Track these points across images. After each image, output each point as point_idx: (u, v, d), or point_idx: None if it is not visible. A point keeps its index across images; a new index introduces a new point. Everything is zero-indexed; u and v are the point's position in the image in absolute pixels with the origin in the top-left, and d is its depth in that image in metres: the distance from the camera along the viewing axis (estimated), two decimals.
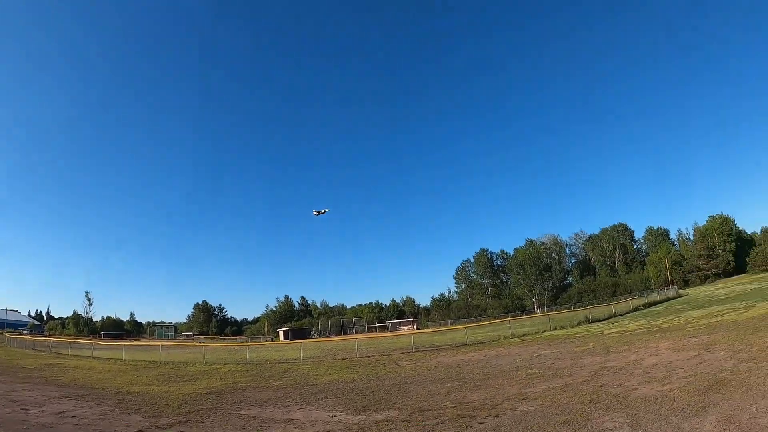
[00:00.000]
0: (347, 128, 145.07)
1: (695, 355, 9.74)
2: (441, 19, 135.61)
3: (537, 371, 10.58)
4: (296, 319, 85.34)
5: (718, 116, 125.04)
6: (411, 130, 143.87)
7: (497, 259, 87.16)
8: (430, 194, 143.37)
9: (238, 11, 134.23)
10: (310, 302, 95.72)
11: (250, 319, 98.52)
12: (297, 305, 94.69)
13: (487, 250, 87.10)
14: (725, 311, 18.83)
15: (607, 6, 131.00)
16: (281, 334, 62.28)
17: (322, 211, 31.97)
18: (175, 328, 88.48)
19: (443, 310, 77.85)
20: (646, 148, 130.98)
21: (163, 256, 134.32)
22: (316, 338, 54.49)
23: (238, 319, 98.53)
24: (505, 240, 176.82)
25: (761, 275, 44.05)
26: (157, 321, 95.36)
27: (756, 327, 12.37)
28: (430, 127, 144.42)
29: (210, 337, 74.53)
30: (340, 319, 76.91)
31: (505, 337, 22.66)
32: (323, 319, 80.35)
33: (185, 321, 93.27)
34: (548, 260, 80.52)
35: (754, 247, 63.33)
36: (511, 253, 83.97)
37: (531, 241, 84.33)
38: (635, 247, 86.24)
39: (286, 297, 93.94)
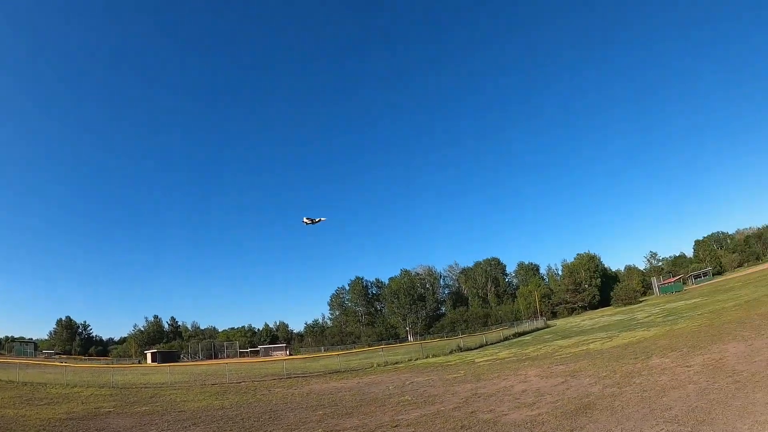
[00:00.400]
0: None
1: (562, 382, 12.78)
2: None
3: (410, 398, 13.76)
4: (165, 340, 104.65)
5: (586, 166, 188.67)
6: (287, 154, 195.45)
7: (372, 287, 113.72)
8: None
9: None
10: (180, 323, 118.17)
11: (116, 338, 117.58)
12: (167, 326, 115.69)
13: (362, 278, 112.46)
14: (590, 341, 24.63)
15: None
16: (149, 356, 73.10)
17: (317, 220, 36.50)
18: (36, 345, 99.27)
19: (317, 336, 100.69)
20: (520, 190, 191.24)
21: (24, 265, 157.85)
22: (186, 362, 67.00)
23: (103, 339, 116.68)
24: (381, 269, 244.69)
25: (624, 308, 60.36)
26: (15, 336, 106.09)
27: (619, 355, 16.39)
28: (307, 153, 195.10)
29: (73, 356, 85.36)
30: (211, 343, 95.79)
31: (379, 365, 29.13)
32: (194, 341, 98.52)
33: (47, 338, 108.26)
34: (422, 290, 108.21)
35: (617, 283, 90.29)
36: (386, 282, 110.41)
37: (406, 271, 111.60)
38: (507, 280, 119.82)
39: (156, 317, 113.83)
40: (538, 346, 27.61)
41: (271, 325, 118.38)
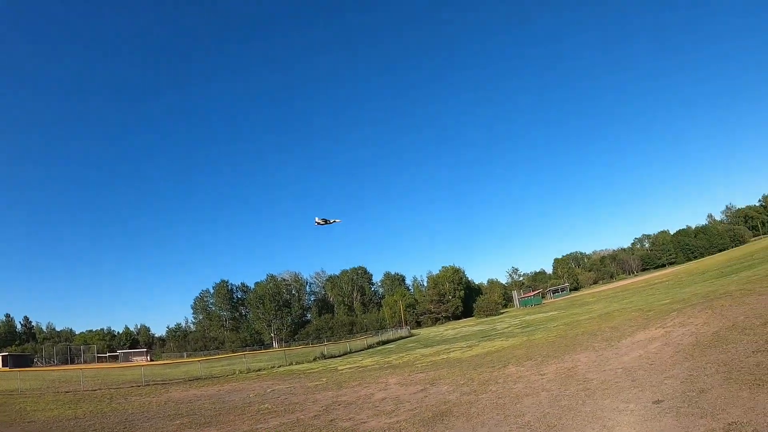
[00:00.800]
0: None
1: (422, 389, 16.06)
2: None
3: (270, 407, 16.79)
4: (18, 342, 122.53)
5: (453, 184, 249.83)
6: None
7: (237, 291, 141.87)
8: (172, 216, 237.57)
9: None
10: (34, 324, 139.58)
11: None
12: (19, 326, 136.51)
13: (227, 282, 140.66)
14: (452, 350, 29.97)
15: None
16: None
17: (331, 221, 43.36)
18: None
19: (179, 341, 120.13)
20: (389, 202, 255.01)
21: None
22: (40, 366, 75.75)
23: None
24: (247, 273, 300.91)
25: (486, 319, 76.31)
26: None
27: (477, 363, 20.54)
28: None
29: None
30: (67, 346, 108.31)
31: (241, 372, 35.76)
32: (48, 344, 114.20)
33: None
34: (288, 296, 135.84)
35: (480, 295, 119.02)
36: (252, 286, 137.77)
37: (272, 276, 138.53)
38: (373, 289, 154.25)
39: (7, 316, 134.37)
40: (401, 355, 33.88)
41: (132, 329, 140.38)
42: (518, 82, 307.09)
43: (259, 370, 36.71)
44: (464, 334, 47.24)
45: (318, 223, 44.71)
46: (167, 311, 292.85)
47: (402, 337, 66.86)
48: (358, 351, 49.35)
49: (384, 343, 58.51)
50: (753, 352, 10.74)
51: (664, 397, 9.38)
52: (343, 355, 45.17)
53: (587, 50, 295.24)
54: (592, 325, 25.69)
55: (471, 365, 20.54)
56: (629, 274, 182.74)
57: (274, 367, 38.14)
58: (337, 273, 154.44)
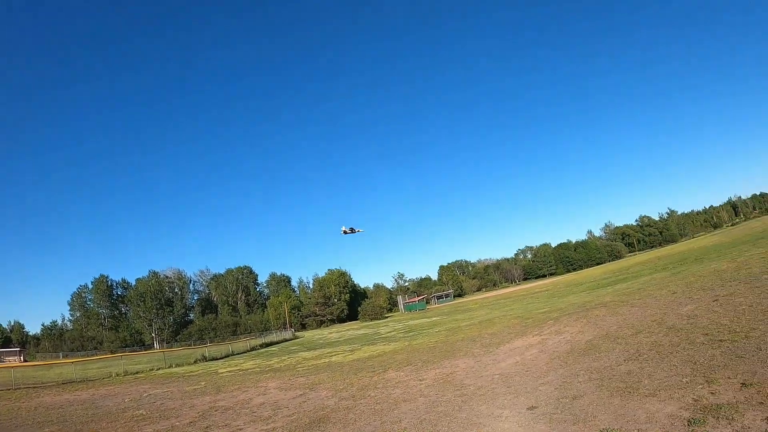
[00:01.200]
0: None
1: (301, 394, 16.09)
2: None
3: (145, 413, 16.26)
4: None
5: (342, 190, 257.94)
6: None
7: (118, 287, 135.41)
8: (49, 205, 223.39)
9: None
10: None
11: None
12: None
13: (107, 277, 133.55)
14: (334, 353, 30.10)
15: None
16: None
17: (356, 230, 50.47)
18: None
19: (55, 340, 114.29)
20: (278, 203, 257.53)
21: None
22: None
23: None
24: (128, 268, 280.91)
25: (370, 323, 77.90)
26: None
27: (358, 368, 20.66)
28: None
29: None
30: None
31: (117, 375, 34.22)
32: None
33: None
34: (171, 294, 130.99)
35: (365, 299, 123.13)
36: (133, 283, 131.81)
37: (154, 272, 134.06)
38: (258, 289, 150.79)
39: None
40: (283, 358, 33.37)
41: (5, 326, 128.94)
42: (401, 87, 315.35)
43: (137, 372, 35.46)
44: (348, 338, 47.38)
45: (345, 232, 48.73)
46: (43, 307, 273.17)
47: (286, 340, 66.17)
48: (240, 353, 48.62)
49: (267, 345, 57.93)
50: (625, 360, 11.17)
51: (538, 403, 9.51)
52: (225, 357, 44.36)
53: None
54: (472, 332, 26.28)
55: (352, 370, 20.53)
56: (512, 282, 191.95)
57: (153, 369, 36.44)
58: (222, 272, 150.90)
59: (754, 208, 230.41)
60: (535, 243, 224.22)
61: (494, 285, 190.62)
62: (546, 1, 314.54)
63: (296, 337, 71.96)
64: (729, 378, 8.12)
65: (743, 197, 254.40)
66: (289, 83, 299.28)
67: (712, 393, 7.71)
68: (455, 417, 9.80)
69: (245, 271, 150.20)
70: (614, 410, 8.06)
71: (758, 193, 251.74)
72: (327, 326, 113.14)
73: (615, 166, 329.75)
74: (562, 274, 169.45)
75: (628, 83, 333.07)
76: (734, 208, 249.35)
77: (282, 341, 63.93)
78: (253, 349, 52.83)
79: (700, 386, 8.12)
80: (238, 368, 30.22)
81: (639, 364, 10.55)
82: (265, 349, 52.24)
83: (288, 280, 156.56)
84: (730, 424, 6.50)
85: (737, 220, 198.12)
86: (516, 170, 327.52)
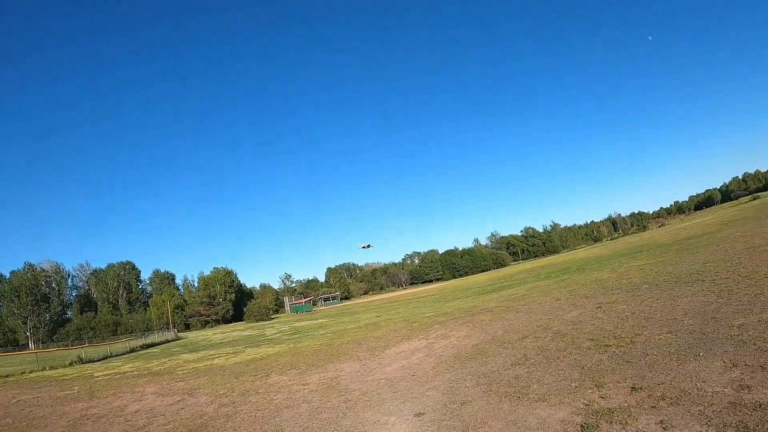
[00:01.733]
0: None
1: (179, 400, 15.38)
2: None
3: (10, 422, 15.36)
4: None
5: (226, 187, 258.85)
6: None
7: None
8: None
9: None
10: None
11: None
12: None
13: None
14: (217, 355, 29.63)
15: None
16: None
17: (368, 246, 72.36)
18: None
19: None
20: (161, 195, 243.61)
21: None
22: None
23: None
24: (1, 259, 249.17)
25: (256, 324, 77.23)
26: None
27: (240, 371, 19.94)
28: None
29: None
30: None
31: None
32: None
33: None
34: (48, 290, 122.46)
35: (251, 300, 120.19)
36: (7, 276, 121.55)
37: (30, 265, 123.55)
38: (140, 287, 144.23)
39: None
40: (164, 360, 32.06)
41: None
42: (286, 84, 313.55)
43: (7, 376, 32.10)
44: (232, 339, 45.96)
45: (363, 247, 46.50)
46: None
47: (168, 341, 63.52)
48: (119, 355, 45.82)
49: (148, 346, 55.22)
50: (512, 364, 11.09)
51: (425, 409, 9.21)
52: (104, 359, 41.61)
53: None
54: (358, 335, 25.98)
55: (234, 373, 19.70)
56: (399, 286, 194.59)
57: (24, 372, 33.53)
58: (103, 266, 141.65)
59: (632, 225, 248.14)
60: (423, 249, 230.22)
61: (381, 288, 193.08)
62: None
63: (179, 338, 69.58)
64: (618, 382, 8.11)
65: (622, 215, 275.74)
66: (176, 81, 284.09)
67: (602, 397, 7.64)
68: (339, 424, 9.40)
69: (127, 266, 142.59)
70: (504, 416, 7.83)
71: (636, 212, 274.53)
72: (212, 327, 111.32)
73: (502, 179, 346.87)
74: (449, 279, 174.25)
75: (520, 95, 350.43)
76: (614, 224, 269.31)
77: (164, 342, 61.33)
78: (133, 350, 50.17)
79: (590, 390, 8.05)
80: (116, 371, 28.23)
81: (527, 368, 10.48)
82: (146, 350, 49.69)
83: (172, 277, 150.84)
84: (624, 428, 6.39)
85: (616, 235, 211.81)
86: (405, 177, 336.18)
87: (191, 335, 78.67)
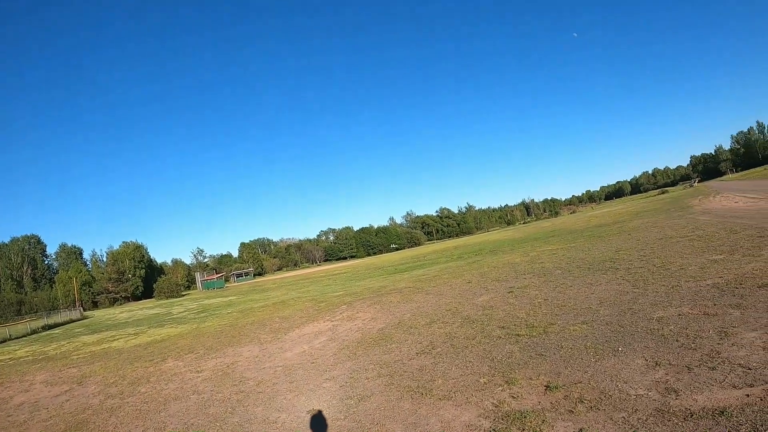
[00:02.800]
0: None
1: (67, 390, 14.37)
2: None
3: None
4: None
5: (135, 158, 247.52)
6: None
7: None
8: None
9: None
10: None
11: None
12: None
13: None
14: (117, 337, 28.16)
15: None
16: None
17: None
18: None
19: None
20: (67, 162, 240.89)
21: None
22: None
23: None
24: None
25: (165, 301, 74.81)
26: None
27: (137, 356, 18.72)
28: None
29: None
30: None
31: None
32: None
33: None
34: None
35: (162, 275, 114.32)
36: None
37: None
38: (46, 262, 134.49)
39: None
40: (62, 343, 30.08)
41: None
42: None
43: None
44: (137, 318, 43.57)
45: None
46: None
47: (72, 321, 59.53)
48: (20, 337, 42.66)
49: (51, 327, 51.43)
50: (417, 353, 10.32)
51: (320, 404, 8.42)
52: (2, 342, 39.08)
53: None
54: (264, 314, 24.93)
55: (130, 358, 18.38)
56: (313, 263, 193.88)
57: None
58: (6, 241, 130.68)
59: (545, 211, 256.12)
60: (338, 225, 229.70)
61: (295, 265, 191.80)
62: None
63: (85, 317, 65.40)
64: (531, 379, 7.35)
65: (536, 200, 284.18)
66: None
67: (513, 397, 6.85)
68: (226, 422, 8.64)
69: (32, 240, 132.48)
70: (404, 417, 7.02)
71: (549, 198, 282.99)
72: (120, 304, 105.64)
73: (419, 159, 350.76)
74: (363, 257, 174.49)
75: (440, 79, 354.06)
76: (527, 208, 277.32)
77: (68, 322, 57.54)
78: (34, 332, 46.83)
79: (500, 388, 7.27)
80: (10, 357, 26.15)
81: (432, 358, 9.72)
82: (48, 331, 46.23)
83: (80, 252, 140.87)
84: None
85: (529, 219, 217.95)
86: (321, 152, 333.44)
87: (98, 314, 74.26)
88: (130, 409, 10.80)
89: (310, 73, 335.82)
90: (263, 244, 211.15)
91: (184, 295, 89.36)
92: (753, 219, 21.75)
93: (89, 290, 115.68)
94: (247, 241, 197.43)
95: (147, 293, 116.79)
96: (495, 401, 6.84)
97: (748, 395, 5.50)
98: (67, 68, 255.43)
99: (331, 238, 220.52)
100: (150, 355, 18.21)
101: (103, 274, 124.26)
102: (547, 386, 6.92)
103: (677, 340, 7.69)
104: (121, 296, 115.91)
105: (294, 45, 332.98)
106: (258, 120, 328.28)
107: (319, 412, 8.08)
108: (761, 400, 5.33)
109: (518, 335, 9.91)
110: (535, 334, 9.73)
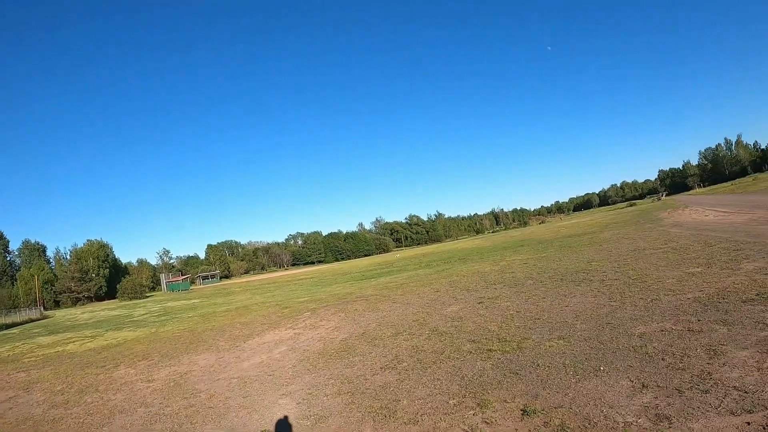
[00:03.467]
0: None
1: (11, 397, 13.69)
2: None
3: None
4: None
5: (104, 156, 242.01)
6: None
7: None
8: None
9: None
10: None
11: None
12: None
13: None
14: (74, 339, 26.93)
15: None
16: None
17: None
18: None
19: None
20: (31, 156, 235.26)
21: None
22: None
23: None
24: None
25: (129, 303, 73.30)
26: None
27: (89, 361, 17.78)
28: None
29: None
30: None
31: None
32: None
33: None
34: None
35: (127, 276, 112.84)
36: None
37: None
38: (9, 259, 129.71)
39: None
40: (17, 344, 29.08)
41: None
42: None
43: None
44: (98, 320, 42.01)
45: None
46: None
47: (31, 320, 57.50)
48: None
49: (8, 326, 49.62)
50: (381, 368, 9.57)
51: (272, 425, 7.70)
52: None
53: None
54: (226, 319, 24.05)
55: (82, 363, 17.46)
56: (280, 267, 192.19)
57: None
58: None
59: (514, 220, 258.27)
60: (307, 230, 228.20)
61: (262, 269, 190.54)
62: None
63: (45, 317, 63.08)
64: (506, 401, 6.64)
65: (505, 210, 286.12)
66: None
67: (487, 423, 6.13)
68: None
69: None
70: None
71: (518, 208, 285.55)
72: (83, 304, 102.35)
73: (389, 165, 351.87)
74: (331, 262, 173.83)
75: (407, 87, 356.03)
76: (496, 218, 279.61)
77: (26, 322, 55.58)
78: None
79: (472, 411, 6.54)
80: None
81: (397, 374, 8.99)
82: (5, 331, 44.39)
83: (43, 249, 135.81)
84: None
85: (498, 229, 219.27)
86: (292, 157, 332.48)
87: (59, 314, 71.68)
88: (73, 421, 10.10)
89: (279, 75, 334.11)
90: (231, 247, 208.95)
91: (148, 297, 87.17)
92: (726, 232, 21.52)
93: (51, 289, 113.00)
94: (214, 243, 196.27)
95: (111, 293, 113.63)
96: (466, 427, 6.11)
97: (748, 423, 4.89)
98: (29, 65, 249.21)
99: (300, 242, 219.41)
100: (103, 360, 17.35)
101: (66, 272, 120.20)
102: (524, 410, 6.21)
103: (663, 359, 7.08)
104: (84, 296, 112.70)
105: (269, 46, 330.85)
106: (230, 122, 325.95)
107: None
108: (763, 428, 4.72)
109: (490, 350, 9.23)
110: (508, 349, 9.06)
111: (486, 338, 10.23)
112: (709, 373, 6.33)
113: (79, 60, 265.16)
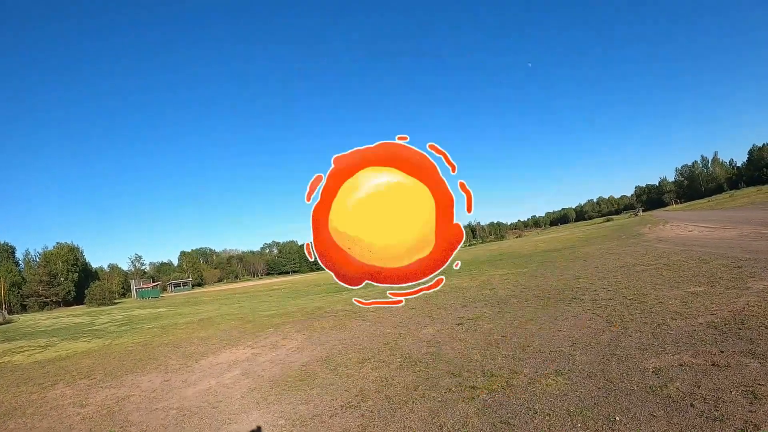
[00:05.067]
0: None
1: None
2: None
3: None
4: None
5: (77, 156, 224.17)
6: None
7: None
8: None
9: None
10: None
11: None
12: None
13: None
14: (24, 348, 24.87)
15: None
16: None
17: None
18: None
19: None
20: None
21: None
22: None
23: None
24: None
25: (96, 309, 70.53)
26: None
27: (29, 377, 15.85)
28: None
29: None
30: None
31: None
32: None
33: None
34: None
35: (97, 281, 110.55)
36: None
37: None
38: None
39: None
40: None
41: None
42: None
43: None
44: (58, 327, 39.59)
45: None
46: None
47: None
48: None
49: None
50: (341, 406, 7.95)
51: None
52: None
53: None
54: (185, 333, 22.37)
55: (21, 378, 15.79)
56: (254, 276, 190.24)
57: None
58: None
59: (490, 234, 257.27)
60: (282, 239, 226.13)
61: (236, 277, 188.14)
62: None
63: (8, 322, 60.02)
64: None
65: (481, 223, 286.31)
66: None
67: None
68: None
69: None
70: None
71: (495, 221, 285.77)
72: (51, 309, 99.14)
73: None
74: (306, 272, 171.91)
75: (392, 92, 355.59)
76: (472, 230, 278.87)
77: None
78: None
79: None
80: None
81: (360, 417, 7.37)
82: None
83: (12, 250, 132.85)
84: None
85: (474, 242, 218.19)
86: (266, 162, 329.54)
87: (23, 318, 68.92)
88: None
89: (258, 81, 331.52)
90: (205, 254, 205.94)
91: (117, 303, 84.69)
92: (718, 248, 20.35)
93: (18, 292, 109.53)
94: (188, 249, 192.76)
95: (79, 299, 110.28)
96: None
97: None
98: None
99: (275, 251, 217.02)
100: (43, 376, 15.60)
101: (34, 276, 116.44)
102: None
103: (693, 405, 5.59)
104: (52, 300, 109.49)
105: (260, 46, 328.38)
106: (209, 127, 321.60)
107: None
108: None
109: (474, 388, 7.62)
110: (496, 387, 7.45)
111: (468, 371, 8.65)
112: (755, 426, 4.88)
113: (52, 59, 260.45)
